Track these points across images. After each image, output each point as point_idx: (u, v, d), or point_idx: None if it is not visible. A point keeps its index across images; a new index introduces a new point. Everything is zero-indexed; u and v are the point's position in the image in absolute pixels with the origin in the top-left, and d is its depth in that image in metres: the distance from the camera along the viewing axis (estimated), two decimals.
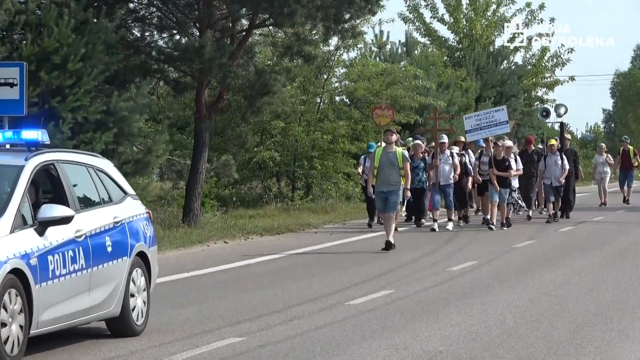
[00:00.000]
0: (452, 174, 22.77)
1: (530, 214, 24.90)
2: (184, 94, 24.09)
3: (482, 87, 42.61)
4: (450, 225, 22.36)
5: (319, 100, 32.19)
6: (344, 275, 14.53)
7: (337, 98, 33.46)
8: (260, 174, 31.07)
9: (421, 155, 23.14)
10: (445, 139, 23.55)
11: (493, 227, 21.94)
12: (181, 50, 20.66)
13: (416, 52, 41.25)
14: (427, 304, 11.67)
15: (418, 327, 10.15)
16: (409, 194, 18.30)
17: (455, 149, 23.77)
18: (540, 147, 26.89)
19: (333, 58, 32.25)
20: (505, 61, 47.51)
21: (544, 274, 14.52)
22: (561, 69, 48.18)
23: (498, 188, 21.99)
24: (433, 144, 24.37)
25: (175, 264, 16.14)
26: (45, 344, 9.09)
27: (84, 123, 18.59)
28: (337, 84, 33.35)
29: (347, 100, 32.92)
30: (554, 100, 50.23)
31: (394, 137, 17.93)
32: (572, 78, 50.57)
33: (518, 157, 23.45)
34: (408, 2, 46.66)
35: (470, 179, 23.27)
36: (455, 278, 14.09)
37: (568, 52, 47.76)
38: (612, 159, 32.13)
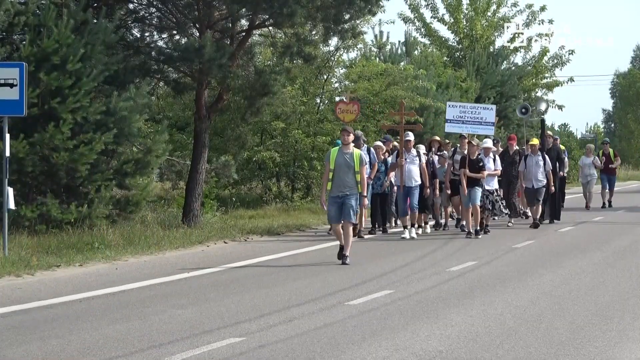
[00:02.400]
0: (419, 175, 20.78)
1: (513, 221, 23.41)
2: (184, 94, 24.08)
3: (482, 88, 42.67)
4: (413, 232, 20.47)
5: (318, 101, 32.20)
6: (344, 275, 14.53)
7: (337, 98, 33.45)
8: (260, 174, 31.07)
9: (382, 157, 21.40)
10: (411, 136, 21.21)
11: (472, 236, 20.30)
12: (181, 51, 20.63)
13: (416, 52, 41.28)
14: (427, 304, 11.67)
15: (418, 327, 10.14)
16: (366, 201, 16.28)
17: (422, 148, 21.77)
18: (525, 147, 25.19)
19: (333, 58, 32.26)
20: (505, 62, 47.59)
21: (543, 274, 14.52)
22: (561, 69, 48.39)
23: (466, 191, 20.33)
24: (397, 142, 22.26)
25: (175, 264, 16.16)
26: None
27: (83, 123, 18.61)
28: (337, 85, 33.36)
29: (347, 100, 32.88)
30: (554, 100, 50.44)
31: (351, 136, 16.09)
32: (571, 79, 50.70)
33: (497, 158, 21.78)
34: (409, 1, 46.80)
35: (436, 182, 21.54)
36: (455, 278, 14.10)
37: (569, 54, 47.93)
38: (599, 162, 30.50)
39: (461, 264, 15.78)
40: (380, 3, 22.32)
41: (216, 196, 27.28)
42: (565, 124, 64.21)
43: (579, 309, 11.29)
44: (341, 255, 15.90)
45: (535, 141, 23.55)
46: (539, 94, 49.73)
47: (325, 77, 32.23)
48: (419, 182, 20.82)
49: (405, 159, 20.78)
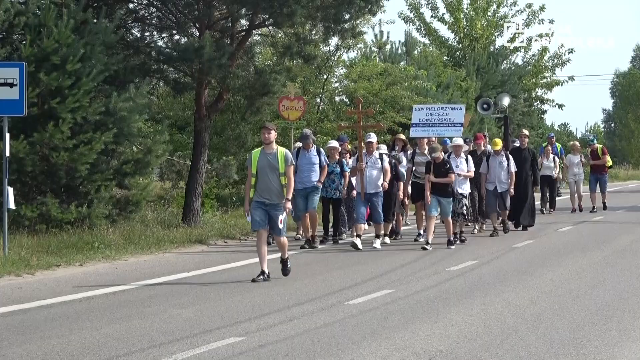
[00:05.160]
0: (381, 180, 18.63)
1: (477, 227, 21.59)
2: (184, 94, 24.10)
3: (483, 87, 42.67)
4: (377, 243, 18.54)
5: (318, 101, 32.21)
6: (344, 274, 14.53)
7: (337, 98, 33.50)
8: None
9: (337, 157, 19.59)
10: (373, 137, 19.03)
11: (428, 247, 18.11)
12: (181, 51, 20.64)
13: (416, 52, 41.31)
14: (427, 304, 11.67)
15: (418, 326, 10.14)
16: (289, 205, 13.77)
17: (383, 149, 19.70)
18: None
19: (333, 58, 32.28)
20: (506, 61, 47.63)
21: (544, 273, 14.52)
22: (561, 69, 48.47)
23: (430, 199, 18.39)
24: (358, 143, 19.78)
25: (175, 264, 16.16)
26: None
27: (83, 123, 18.62)
28: (337, 84, 33.38)
29: (347, 100, 32.95)
30: (553, 100, 50.56)
31: (273, 134, 13.85)
32: (571, 78, 50.83)
33: (470, 157, 19.94)
34: (409, 1, 46.85)
35: (401, 184, 19.52)
36: (455, 278, 14.10)
37: (568, 52, 47.98)
38: (588, 157, 28.48)
39: (461, 263, 15.79)
40: (380, 3, 22.33)
41: (216, 196, 27.28)
42: (565, 123, 64.35)
43: (579, 309, 11.28)
44: (261, 273, 13.95)
45: (499, 142, 21.60)
46: (539, 93, 49.83)
47: (325, 76, 32.25)
48: (381, 189, 18.69)
49: (366, 163, 18.68)
